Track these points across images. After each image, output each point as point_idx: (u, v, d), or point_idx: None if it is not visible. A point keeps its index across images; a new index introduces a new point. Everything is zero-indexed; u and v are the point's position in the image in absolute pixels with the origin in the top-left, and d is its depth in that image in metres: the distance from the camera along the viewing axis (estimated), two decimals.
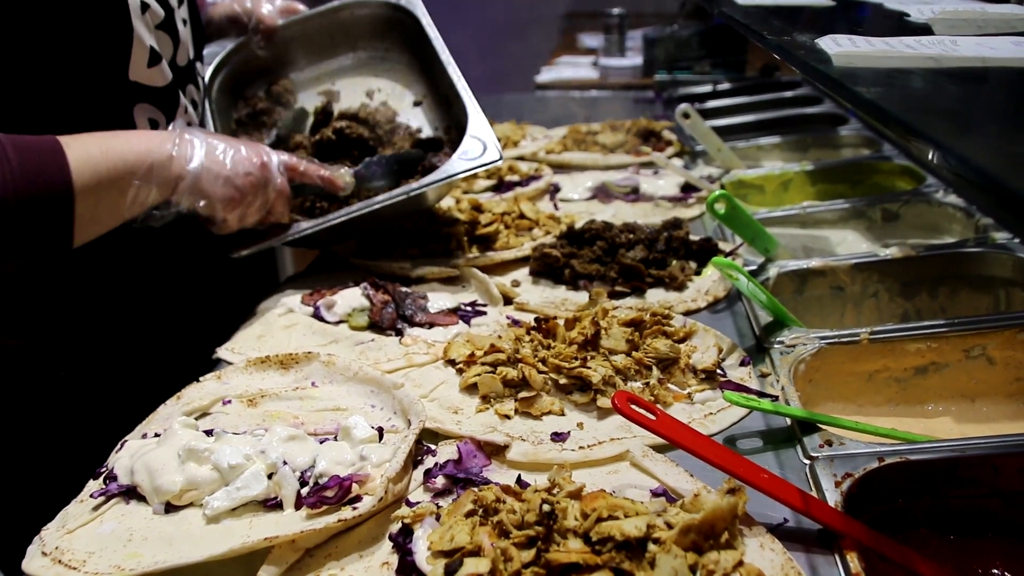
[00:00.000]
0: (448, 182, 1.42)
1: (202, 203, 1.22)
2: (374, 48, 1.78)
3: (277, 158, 1.33)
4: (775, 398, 1.05)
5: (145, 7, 1.21)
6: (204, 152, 1.21)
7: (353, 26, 1.76)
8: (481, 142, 1.42)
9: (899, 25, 1.22)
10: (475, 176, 1.89)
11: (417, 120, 1.71)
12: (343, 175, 1.44)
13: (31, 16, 1.09)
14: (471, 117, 1.47)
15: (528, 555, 0.73)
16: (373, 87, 1.76)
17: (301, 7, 1.76)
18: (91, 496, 0.94)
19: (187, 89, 1.40)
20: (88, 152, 1.08)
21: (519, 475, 0.92)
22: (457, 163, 1.41)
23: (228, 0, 1.70)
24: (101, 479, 0.96)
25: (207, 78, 1.62)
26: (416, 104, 1.73)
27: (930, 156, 0.66)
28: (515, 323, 1.28)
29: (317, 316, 1.36)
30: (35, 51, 1.12)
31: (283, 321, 1.36)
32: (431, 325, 1.31)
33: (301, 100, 1.77)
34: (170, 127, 1.25)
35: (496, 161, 1.41)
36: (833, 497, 0.85)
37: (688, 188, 1.85)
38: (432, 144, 1.60)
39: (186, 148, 1.19)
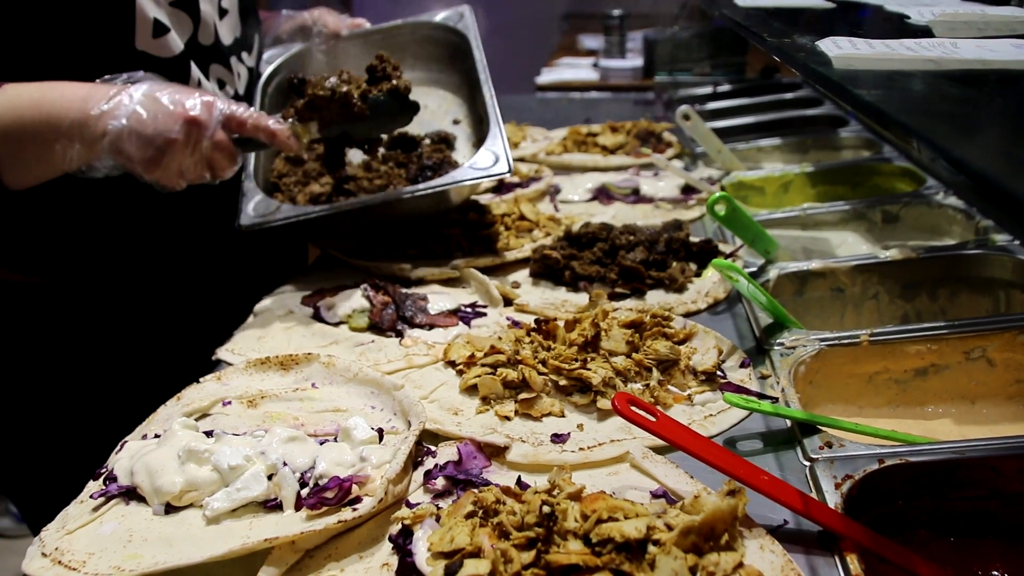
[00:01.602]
0: (462, 186, 1.48)
1: (122, 162, 1.16)
2: (428, 67, 1.88)
3: (218, 110, 1.21)
4: (775, 400, 1.05)
5: None
6: (132, 109, 1.14)
7: (412, 44, 1.86)
8: (494, 155, 1.47)
9: (899, 27, 1.23)
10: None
11: (455, 135, 1.80)
12: (301, 131, 1.33)
13: None
14: (491, 133, 1.53)
15: (528, 556, 0.73)
16: (422, 102, 1.81)
17: (367, 24, 1.87)
18: (91, 497, 0.94)
19: (211, 68, 1.45)
20: (19, 99, 1.11)
21: (519, 476, 0.92)
22: (466, 171, 1.46)
23: (302, 13, 1.84)
24: (101, 480, 0.96)
25: (266, 75, 1.72)
26: (455, 123, 1.81)
27: (930, 159, 0.66)
28: (515, 324, 1.28)
29: (317, 317, 1.36)
30: (41, 15, 1.18)
31: (283, 322, 1.36)
32: (431, 326, 1.31)
33: None
34: (123, 76, 1.21)
35: (504, 173, 1.44)
36: (833, 499, 0.85)
37: (688, 190, 1.85)
38: (405, 104, 1.49)
39: (116, 103, 1.13)
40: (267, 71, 1.73)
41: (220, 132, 1.22)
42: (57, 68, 1.21)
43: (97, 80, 1.18)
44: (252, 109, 1.28)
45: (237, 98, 1.56)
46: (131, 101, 1.14)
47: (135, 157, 1.14)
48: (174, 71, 1.34)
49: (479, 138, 1.72)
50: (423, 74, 1.88)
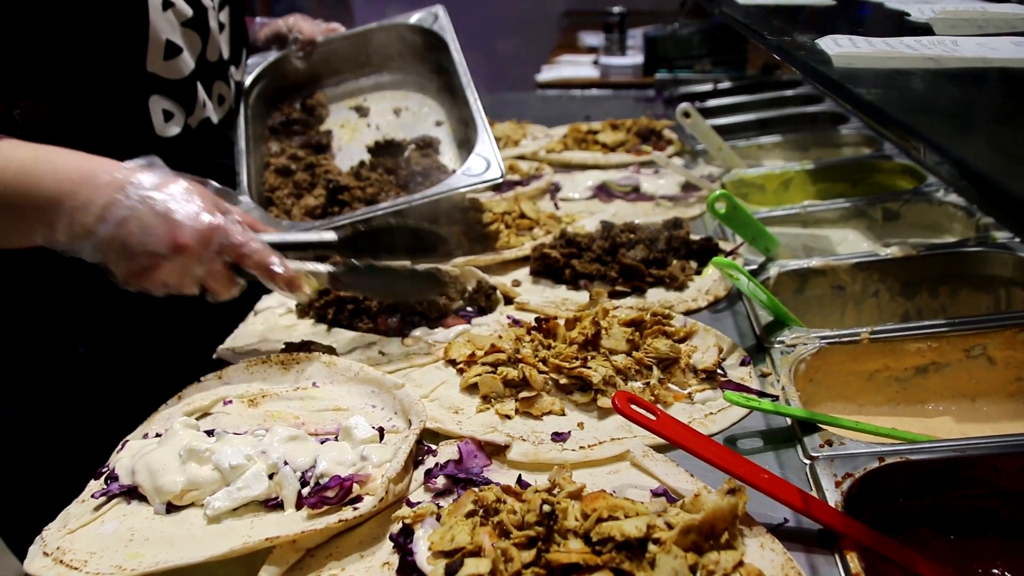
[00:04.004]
0: (458, 193, 1.48)
1: (105, 266, 1.05)
2: (406, 70, 1.86)
3: (216, 241, 1.06)
4: (775, 398, 1.05)
5: (168, 5, 1.28)
6: (123, 216, 1.01)
7: (388, 47, 1.85)
8: (485, 160, 1.49)
9: (899, 25, 1.22)
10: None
11: (439, 138, 1.79)
12: (308, 279, 1.14)
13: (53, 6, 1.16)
14: (479, 138, 1.54)
15: (528, 555, 0.73)
16: (401, 105, 1.85)
17: (342, 28, 1.87)
18: (92, 496, 0.94)
19: (214, 85, 1.46)
20: (8, 163, 1.01)
21: (520, 475, 0.92)
22: (459, 178, 1.48)
23: (276, 20, 1.84)
24: (102, 479, 0.97)
25: (247, 84, 1.70)
26: (438, 124, 1.80)
27: (929, 158, 0.66)
28: (516, 323, 1.29)
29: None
30: (54, 35, 1.18)
31: (284, 321, 1.36)
32: (432, 325, 1.31)
33: (333, 112, 1.85)
34: (134, 162, 1.08)
35: (497, 178, 1.46)
36: (833, 497, 0.86)
37: (689, 187, 1.85)
38: (433, 281, 1.34)
39: (109, 202, 1.01)
40: (248, 80, 1.71)
41: (217, 263, 1.07)
42: (67, 87, 1.21)
43: (98, 159, 1.05)
44: (258, 242, 1.10)
45: (231, 114, 1.56)
46: (127, 201, 1.01)
47: (118, 269, 1.04)
48: (181, 92, 1.36)
49: (463, 139, 1.72)
50: (400, 77, 1.88)
